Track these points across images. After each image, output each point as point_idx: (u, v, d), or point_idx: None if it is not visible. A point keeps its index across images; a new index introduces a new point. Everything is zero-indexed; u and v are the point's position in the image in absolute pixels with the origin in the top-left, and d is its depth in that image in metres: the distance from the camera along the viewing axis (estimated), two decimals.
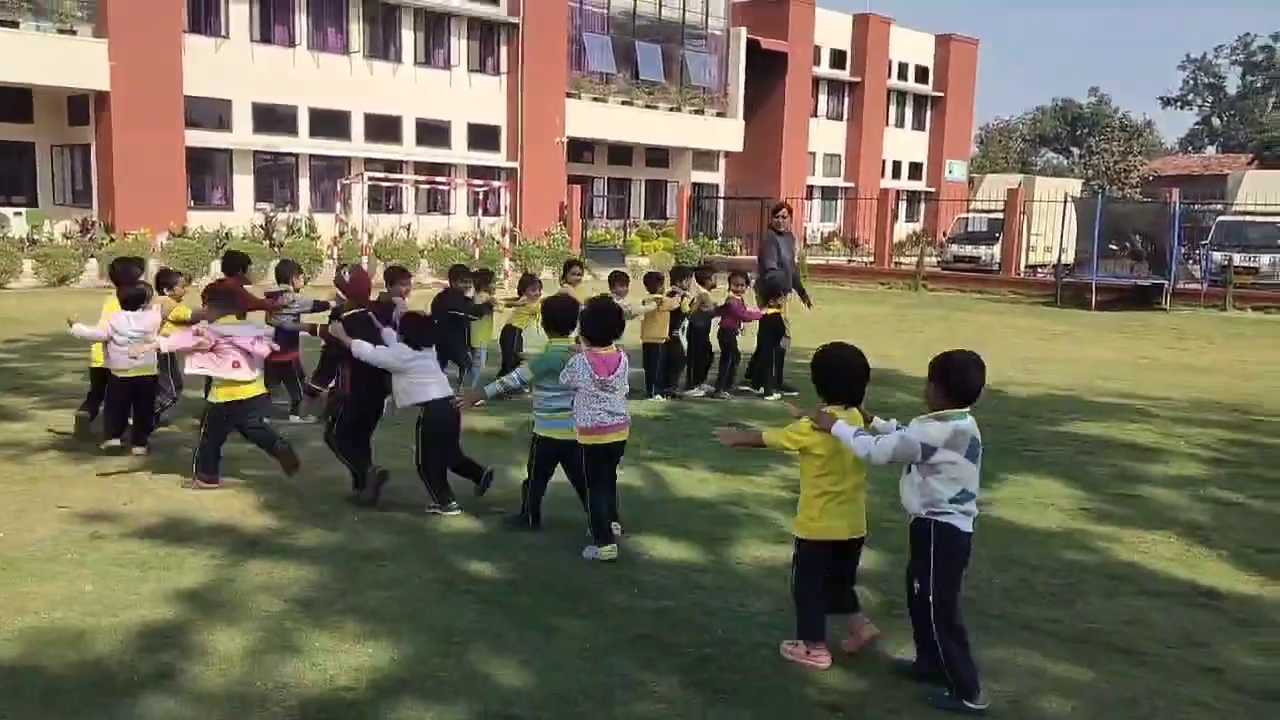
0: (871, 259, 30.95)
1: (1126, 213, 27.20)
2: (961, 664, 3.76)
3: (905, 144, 50.53)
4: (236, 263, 8.47)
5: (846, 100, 47.13)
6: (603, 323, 5.37)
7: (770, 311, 10.23)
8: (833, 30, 45.36)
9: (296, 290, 8.59)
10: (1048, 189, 30.42)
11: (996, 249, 28.75)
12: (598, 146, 36.91)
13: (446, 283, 10.30)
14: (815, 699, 3.76)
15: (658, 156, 39.36)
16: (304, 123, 29.13)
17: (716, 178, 41.94)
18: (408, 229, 29.23)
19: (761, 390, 10.17)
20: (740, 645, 4.17)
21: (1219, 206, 31.29)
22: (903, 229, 42.52)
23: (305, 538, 5.42)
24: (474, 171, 31.41)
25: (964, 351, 3.93)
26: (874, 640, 4.18)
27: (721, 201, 39.28)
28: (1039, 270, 28.55)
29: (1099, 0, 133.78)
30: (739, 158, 40.91)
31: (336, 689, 3.74)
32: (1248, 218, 27.14)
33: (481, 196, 28.71)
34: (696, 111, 38.33)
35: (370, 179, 25.50)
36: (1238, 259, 24.94)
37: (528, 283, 10.27)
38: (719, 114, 39.19)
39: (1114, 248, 25.17)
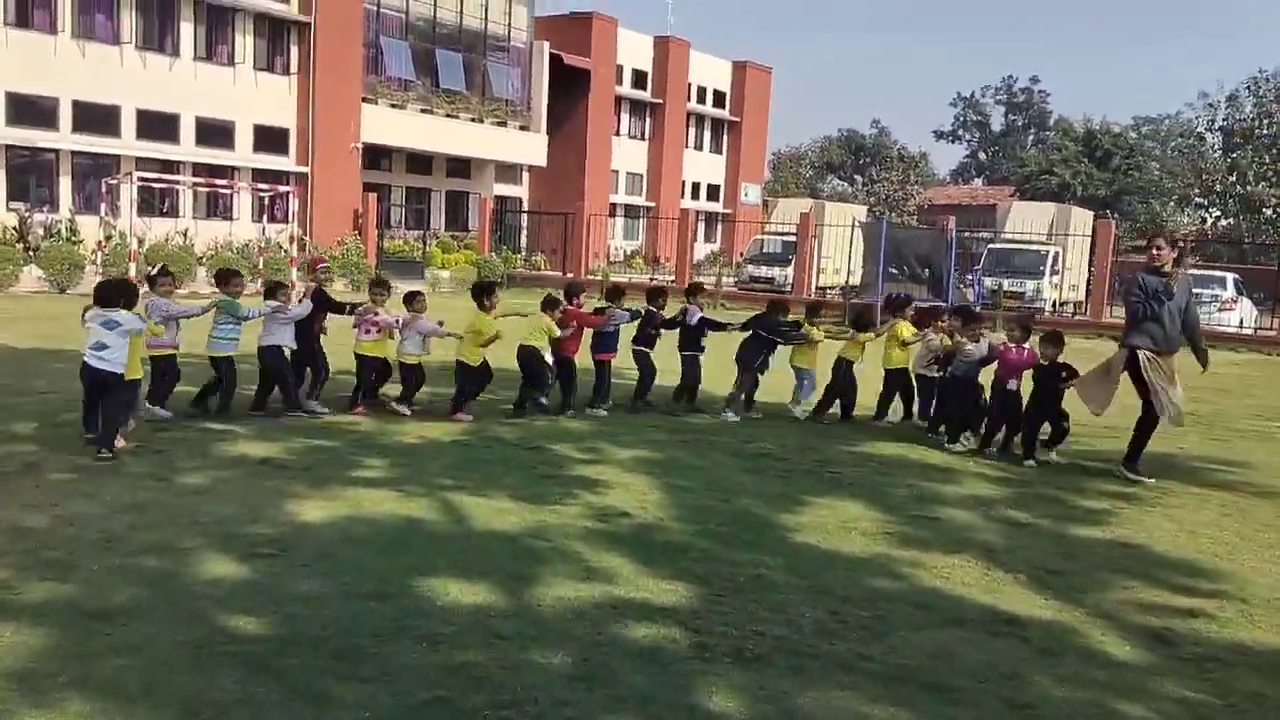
0: (673, 278, 31.29)
1: (907, 238, 28.68)
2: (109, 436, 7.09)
3: (704, 166, 51.80)
4: (574, 290, 10.38)
5: (648, 120, 47.83)
6: None
7: (1047, 358, 8.74)
8: (635, 51, 45.96)
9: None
10: (837, 214, 31.74)
11: (790, 270, 29.69)
12: (396, 154, 35.71)
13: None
14: None
15: (459, 167, 38.50)
16: (66, 116, 26.61)
17: (520, 191, 41.50)
18: (184, 234, 27.20)
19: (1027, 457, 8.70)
20: (542, 704, 3.75)
21: (988, 235, 33.62)
22: (702, 249, 43.44)
23: (29, 592, 4.60)
24: (260, 175, 29.63)
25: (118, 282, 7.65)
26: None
27: (525, 215, 38.85)
28: (828, 291, 29.71)
29: (882, 37, 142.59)
30: (543, 172, 40.63)
31: None
32: (1015, 246, 29.21)
33: (267, 202, 27.05)
34: (499, 123, 37.78)
35: (141, 179, 23.51)
36: (1006, 284, 26.79)
37: (551, 304, 9.81)
38: (522, 127, 38.79)
39: (894, 271, 26.49)
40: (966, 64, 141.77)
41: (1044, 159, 67.34)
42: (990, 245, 30.68)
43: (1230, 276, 27.97)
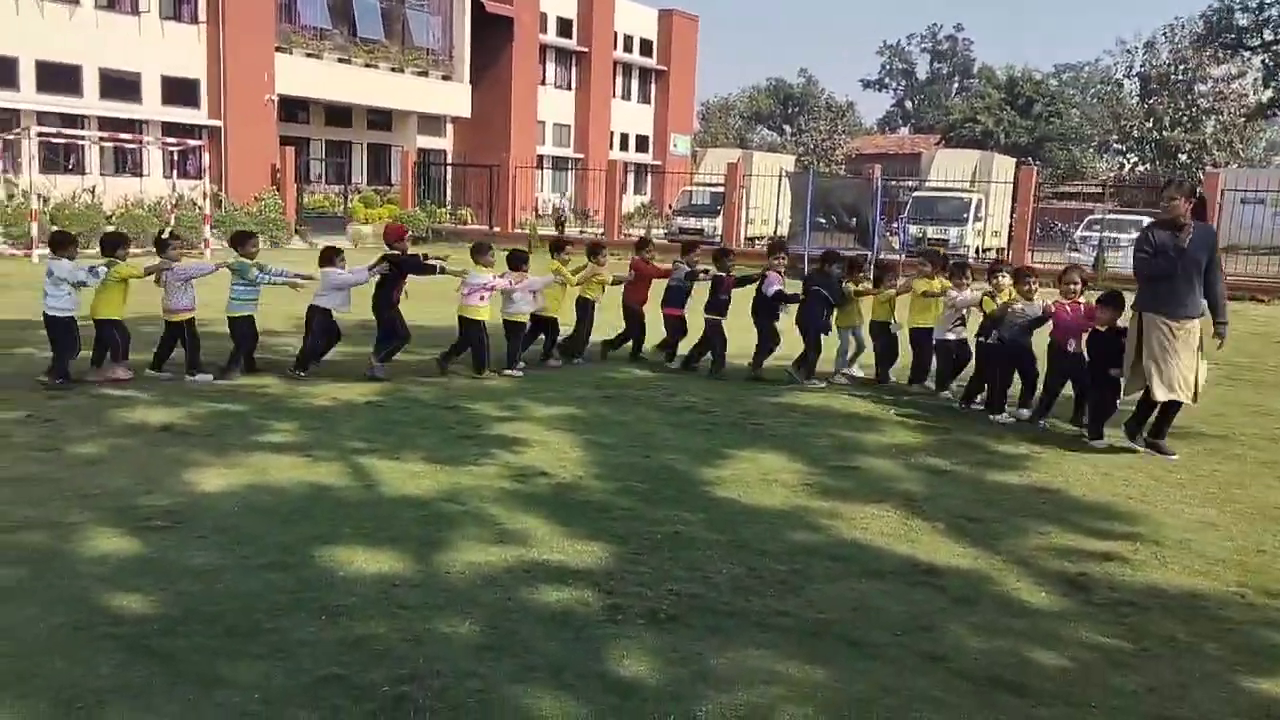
0: (602, 230, 30.98)
1: (833, 188, 28.67)
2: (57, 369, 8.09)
3: (632, 116, 51.22)
4: (644, 242, 11.34)
5: (574, 70, 47.05)
6: None
7: (1103, 323, 7.69)
8: None
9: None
10: (765, 164, 31.61)
11: (719, 221, 29.57)
12: (313, 106, 34.60)
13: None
14: None
15: (380, 119, 37.49)
16: None
17: (444, 143, 40.58)
18: (92, 191, 26.06)
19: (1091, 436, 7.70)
20: (445, 676, 3.60)
21: (913, 183, 33.85)
22: (631, 201, 43.09)
23: None
24: (170, 129, 28.44)
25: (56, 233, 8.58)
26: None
27: (450, 168, 38.04)
28: (757, 242, 29.66)
29: None
30: (467, 124, 39.76)
31: None
32: (938, 193, 29.43)
33: (177, 157, 26.00)
34: (420, 73, 36.79)
35: (41, 135, 22.43)
36: (931, 232, 27.04)
37: (596, 250, 10.58)
38: (444, 77, 37.84)
39: (822, 221, 26.54)
40: (893, 12, 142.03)
41: (968, 107, 67.81)
42: (915, 193, 30.89)
43: (1147, 220, 28.55)
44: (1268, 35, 53.96)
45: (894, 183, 34.80)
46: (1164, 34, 59.94)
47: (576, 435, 7.31)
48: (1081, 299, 8.06)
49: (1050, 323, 8.09)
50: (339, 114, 35.83)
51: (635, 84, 51.52)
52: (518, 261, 9.68)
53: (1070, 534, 5.52)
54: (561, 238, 11.52)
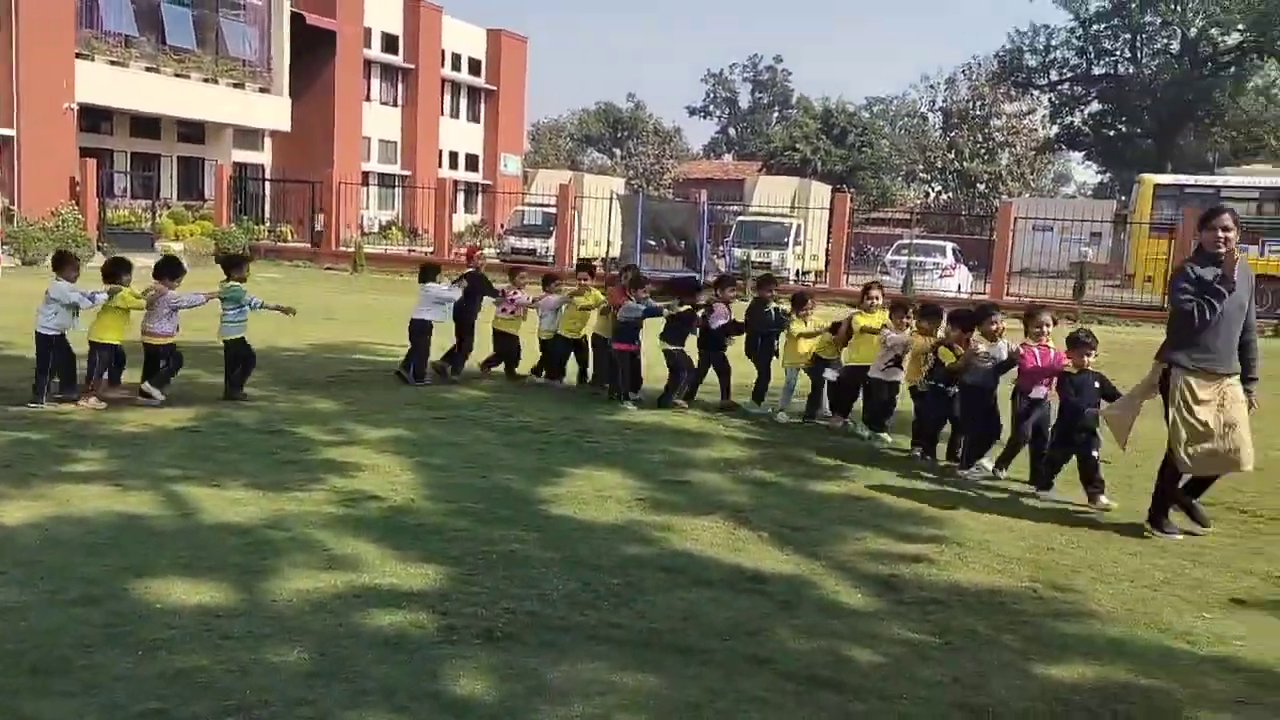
0: (432, 249, 30.55)
1: (662, 211, 29.35)
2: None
3: (461, 135, 50.86)
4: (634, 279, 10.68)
5: (401, 86, 46.37)
6: None
7: (1070, 367, 6.96)
8: (384, 13, 44.30)
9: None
10: (595, 186, 31.99)
11: (551, 242, 29.69)
12: (118, 116, 32.70)
13: None
14: None
15: (192, 131, 35.78)
16: None
17: (262, 158, 39.11)
18: None
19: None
20: (274, 705, 3.50)
21: (737, 208, 35.01)
22: (462, 220, 42.70)
23: None
24: None
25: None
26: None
27: (268, 184, 36.65)
28: (592, 263, 29.93)
29: (635, 10, 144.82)
30: (288, 138, 38.46)
31: None
32: (761, 218, 30.56)
33: None
34: (236, 85, 35.36)
35: None
36: (754, 255, 28.02)
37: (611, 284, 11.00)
38: (262, 90, 36.51)
39: (652, 243, 27.11)
40: (716, 40, 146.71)
41: (787, 135, 70.51)
42: (739, 218, 31.96)
43: (949, 245, 30.62)
44: (1054, 76, 58.84)
45: (719, 207, 35.84)
46: (963, 72, 64.42)
47: (407, 458, 7.21)
48: (1050, 343, 7.33)
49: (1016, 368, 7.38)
50: (146, 125, 34.00)
51: (465, 102, 51.21)
52: (546, 282, 11.06)
53: (883, 538, 5.88)
54: (589, 260, 12.93)
